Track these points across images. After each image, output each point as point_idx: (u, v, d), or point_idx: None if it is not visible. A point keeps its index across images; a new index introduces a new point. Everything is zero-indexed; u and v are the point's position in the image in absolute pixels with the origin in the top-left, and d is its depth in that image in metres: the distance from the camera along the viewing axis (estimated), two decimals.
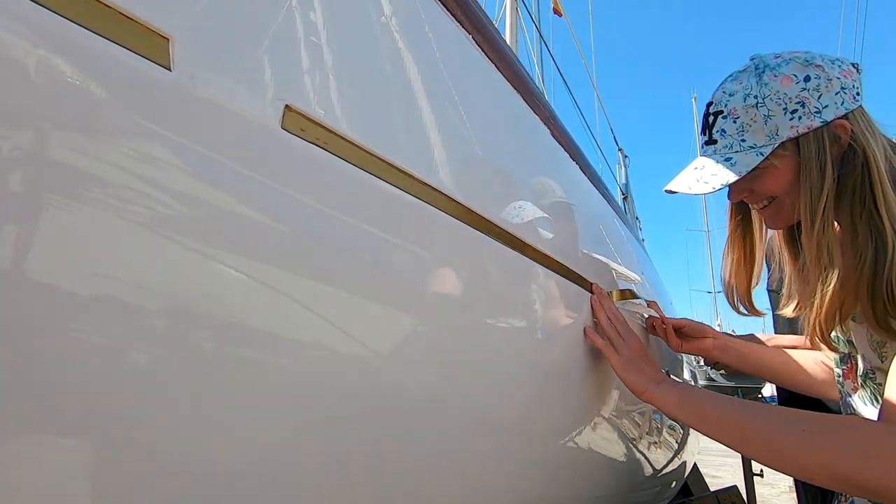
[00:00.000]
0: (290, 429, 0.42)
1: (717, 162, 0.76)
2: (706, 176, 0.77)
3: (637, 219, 5.83)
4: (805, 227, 0.72)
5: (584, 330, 0.83)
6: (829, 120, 0.71)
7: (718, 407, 0.71)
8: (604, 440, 0.98)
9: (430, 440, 0.56)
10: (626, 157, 6.43)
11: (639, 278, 1.21)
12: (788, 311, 0.86)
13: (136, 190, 0.31)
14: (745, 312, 0.91)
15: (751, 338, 1.27)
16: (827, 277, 0.70)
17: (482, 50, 0.67)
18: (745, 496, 1.93)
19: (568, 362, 0.81)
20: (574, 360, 0.82)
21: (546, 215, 0.76)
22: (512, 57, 0.75)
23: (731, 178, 0.74)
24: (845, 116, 0.71)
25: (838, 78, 0.72)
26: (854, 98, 0.72)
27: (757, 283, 0.90)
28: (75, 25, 0.29)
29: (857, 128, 0.71)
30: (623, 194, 5.55)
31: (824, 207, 0.70)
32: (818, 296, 0.71)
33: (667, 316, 1.11)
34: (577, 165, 0.97)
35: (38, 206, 0.28)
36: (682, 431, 1.87)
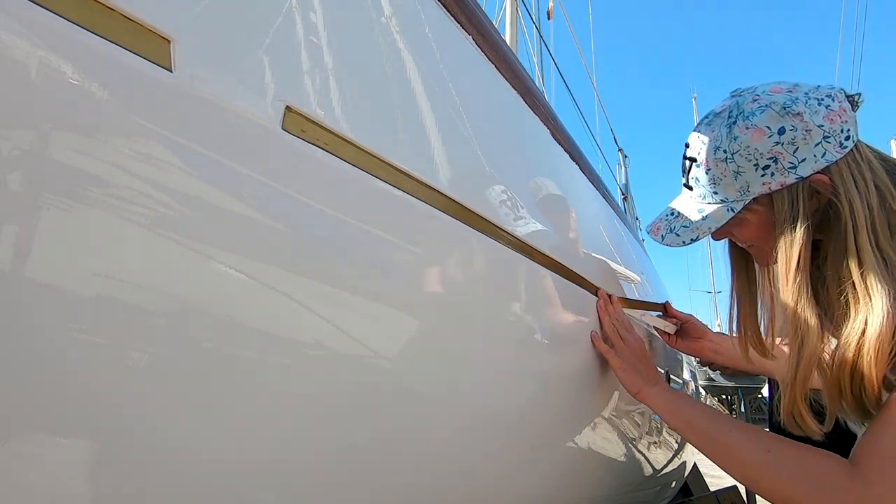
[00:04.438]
0: (291, 428, 0.42)
1: (690, 213, 0.73)
2: (678, 227, 0.74)
3: (637, 219, 5.83)
4: (781, 287, 0.66)
5: (591, 334, 0.86)
6: (804, 176, 0.64)
7: (702, 416, 0.73)
8: (604, 440, 0.98)
9: (431, 440, 0.56)
10: (626, 157, 6.44)
11: (639, 278, 1.21)
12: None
13: (136, 190, 0.31)
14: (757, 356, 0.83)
15: None
16: (801, 352, 0.62)
17: (482, 50, 0.67)
18: (744, 496, 1.93)
19: (568, 362, 0.81)
20: (574, 361, 0.82)
21: (545, 215, 0.76)
22: (512, 57, 0.75)
23: (701, 234, 0.71)
24: (828, 168, 0.64)
25: (820, 126, 0.63)
26: (840, 146, 0.64)
27: (771, 329, 0.80)
28: (76, 26, 0.29)
29: (842, 181, 0.64)
30: (623, 194, 5.56)
31: (798, 269, 0.63)
32: (791, 370, 0.63)
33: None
34: (577, 165, 0.97)
35: (38, 206, 0.28)
36: None
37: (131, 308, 0.32)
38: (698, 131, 0.72)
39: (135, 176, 0.31)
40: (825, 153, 0.63)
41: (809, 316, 0.62)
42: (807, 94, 0.65)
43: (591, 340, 0.86)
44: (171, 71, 0.33)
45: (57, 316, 0.29)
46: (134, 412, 0.33)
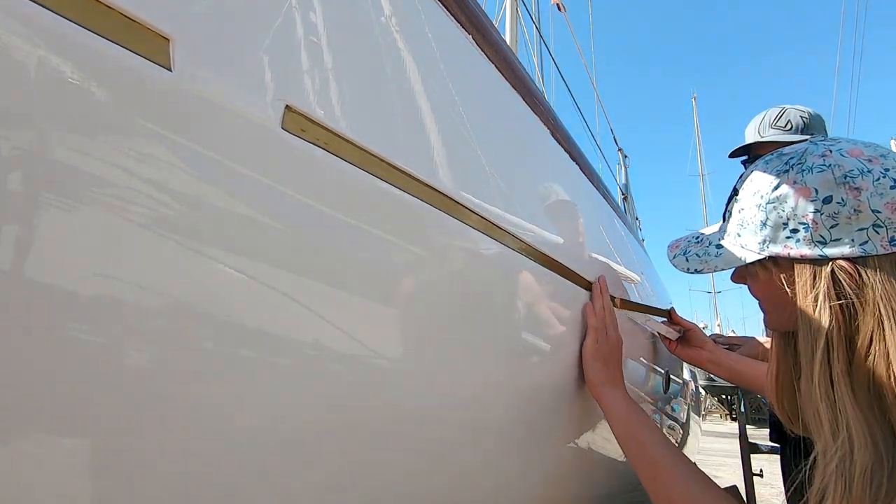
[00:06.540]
0: (290, 429, 0.42)
1: (710, 243, 0.68)
2: (692, 253, 0.70)
3: (637, 219, 5.83)
4: (804, 376, 0.56)
5: (584, 306, 0.86)
6: (830, 256, 0.55)
7: (652, 442, 0.74)
8: (604, 440, 0.98)
9: (431, 441, 0.56)
10: (625, 157, 6.43)
11: (639, 278, 1.21)
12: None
13: (136, 190, 0.31)
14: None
15: (751, 341, 1.27)
16: (850, 460, 0.49)
17: (482, 50, 0.67)
18: (745, 496, 1.93)
19: (569, 362, 0.81)
20: (574, 361, 0.82)
21: (546, 215, 0.76)
22: (512, 57, 0.75)
23: (707, 269, 0.67)
24: (862, 260, 0.54)
25: (876, 211, 0.53)
26: (890, 241, 0.53)
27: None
28: (75, 25, 0.29)
29: (872, 282, 0.53)
30: (623, 194, 5.55)
31: (825, 359, 0.54)
32: (836, 479, 0.50)
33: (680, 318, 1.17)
34: (577, 165, 0.97)
35: (38, 206, 0.28)
36: (681, 432, 1.87)
37: (131, 308, 0.32)
38: (755, 166, 0.65)
39: (134, 175, 0.31)
40: (866, 242, 0.54)
41: (853, 427, 0.51)
42: (886, 170, 0.55)
43: (584, 310, 0.85)
44: (170, 70, 0.33)
45: (57, 316, 0.29)
46: (133, 412, 0.33)
